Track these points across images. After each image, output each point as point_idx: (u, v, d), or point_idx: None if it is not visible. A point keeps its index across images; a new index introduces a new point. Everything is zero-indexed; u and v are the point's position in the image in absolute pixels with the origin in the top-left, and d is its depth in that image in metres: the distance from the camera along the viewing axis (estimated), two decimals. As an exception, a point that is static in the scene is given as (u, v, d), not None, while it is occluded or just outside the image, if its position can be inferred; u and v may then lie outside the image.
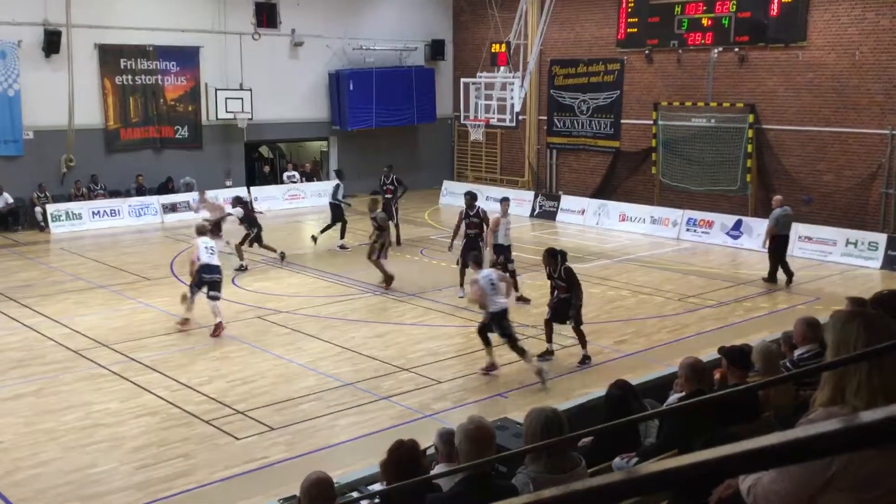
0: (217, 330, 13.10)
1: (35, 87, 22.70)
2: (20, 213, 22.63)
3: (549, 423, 4.50)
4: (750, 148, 22.37)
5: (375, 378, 11.35)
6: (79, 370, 11.64)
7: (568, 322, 11.93)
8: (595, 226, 23.73)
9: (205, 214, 17.51)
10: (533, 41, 24.65)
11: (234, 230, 18.10)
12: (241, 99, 25.81)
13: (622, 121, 25.78)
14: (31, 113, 22.78)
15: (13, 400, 10.57)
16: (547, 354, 12.03)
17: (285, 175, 28.24)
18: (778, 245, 16.83)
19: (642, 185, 25.12)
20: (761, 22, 22.04)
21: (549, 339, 12.13)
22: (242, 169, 27.27)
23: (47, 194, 22.82)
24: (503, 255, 15.05)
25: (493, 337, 11.38)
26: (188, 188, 24.94)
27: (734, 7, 22.47)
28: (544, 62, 27.10)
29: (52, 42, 22.68)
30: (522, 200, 26.25)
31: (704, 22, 23.18)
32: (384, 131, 28.57)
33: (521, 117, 24.40)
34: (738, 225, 21.20)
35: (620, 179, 25.91)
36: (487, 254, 14.84)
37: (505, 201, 15.77)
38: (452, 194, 28.10)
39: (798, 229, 20.15)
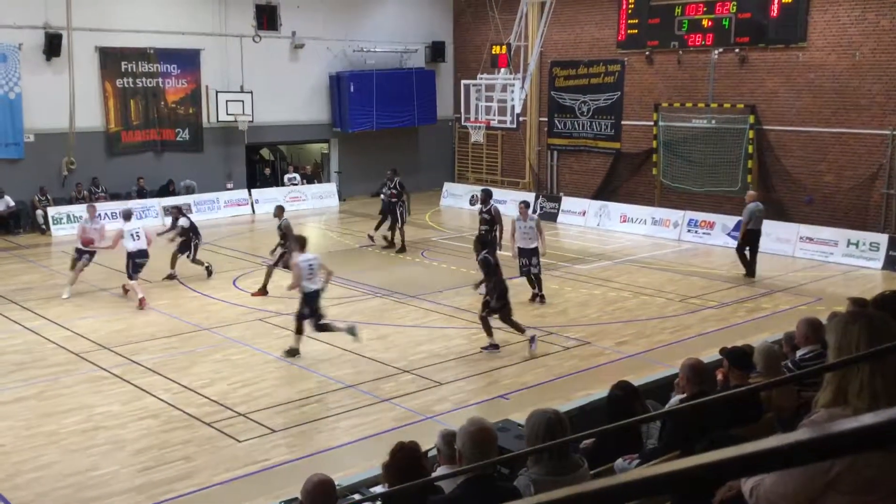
0: (142, 303, 14.69)
1: (36, 89, 22.73)
2: (21, 215, 22.65)
3: (551, 425, 4.50)
4: (751, 149, 22.37)
5: (376, 380, 11.35)
6: (80, 373, 11.64)
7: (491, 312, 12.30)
8: (596, 227, 23.74)
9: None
10: (533, 43, 24.66)
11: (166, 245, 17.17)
12: (242, 101, 25.84)
13: (623, 122, 25.78)
14: (32, 116, 22.80)
15: (14, 403, 10.56)
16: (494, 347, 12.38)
17: (286, 177, 28.28)
18: (751, 239, 17.54)
19: (643, 187, 25.11)
20: (761, 23, 22.04)
21: (490, 333, 12.43)
22: (243, 171, 27.29)
23: (48, 197, 22.83)
24: (525, 258, 15.07)
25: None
26: (189, 191, 24.96)
27: (734, 8, 22.47)
28: (545, 64, 27.11)
29: (52, 45, 22.71)
30: (523, 202, 26.26)
31: (705, 23, 23.18)
32: (385, 133, 28.58)
33: (521, 119, 24.40)
34: (739, 226, 21.16)
35: (621, 181, 25.91)
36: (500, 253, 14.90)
37: (522, 204, 15.78)
38: (453, 196, 28.15)
39: (799, 230, 20.22)
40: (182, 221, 17.19)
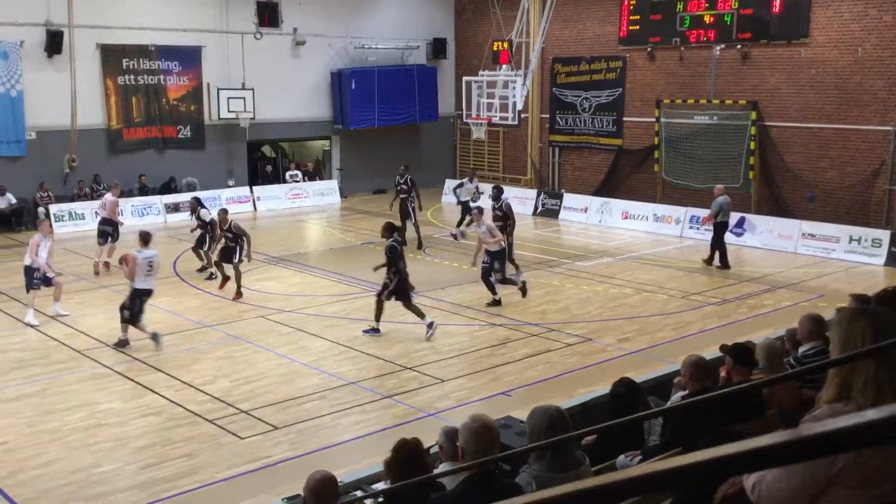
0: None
1: (38, 87, 22.73)
2: (23, 213, 22.66)
3: (553, 422, 4.49)
4: (752, 145, 22.34)
5: (378, 377, 11.35)
6: (82, 370, 11.65)
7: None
8: (598, 224, 23.72)
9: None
10: (535, 39, 24.63)
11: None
12: (244, 98, 25.82)
13: (624, 118, 25.76)
14: (34, 113, 22.80)
15: (17, 400, 10.58)
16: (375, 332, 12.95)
17: (288, 174, 28.27)
18: (721, 231, 18.14)
19: (645, 183, 25.09)
20: (763, 19, 22.00)
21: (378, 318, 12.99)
22: (245, 168, 27.28)
23: (50, 194, 22.84)
24: (489, 257, 14.69)
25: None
26: (191, 188, 24.95)
27: (736, 4, 22.43)
28: (546, 60, 27.08)
29: (54, 42, 22.71)
30: (525, 199, 26.26)
31: (706, 19, 23.14)
32: (386, 130, 28.56)
33: (523, 115, 24.39)
34: (741, 222, 21.17)
35: (623, 177, 25.88)
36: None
37: (476, 210, 15.42)
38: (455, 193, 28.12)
39: (801, 226, 20.20)
40: (203, 213, 17.31)
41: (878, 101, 20.29)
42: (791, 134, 21.99)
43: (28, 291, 14.22)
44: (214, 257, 16.41)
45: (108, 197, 18.36)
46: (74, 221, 22.61)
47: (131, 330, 12.53)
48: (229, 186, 26.06)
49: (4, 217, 22.27)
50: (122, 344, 12.50)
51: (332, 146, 29.46)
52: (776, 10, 21.75)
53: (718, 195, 18.25)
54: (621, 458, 5.88)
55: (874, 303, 5.36)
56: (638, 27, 24.89)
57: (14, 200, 22.39)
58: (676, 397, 6.49)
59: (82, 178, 23.62)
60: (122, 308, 12.58)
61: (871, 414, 1.00)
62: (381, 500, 5.54)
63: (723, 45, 22.86)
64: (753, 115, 22.28)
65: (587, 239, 21.83)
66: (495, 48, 23.52)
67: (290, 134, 28.87)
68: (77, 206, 22.93)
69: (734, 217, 21.34)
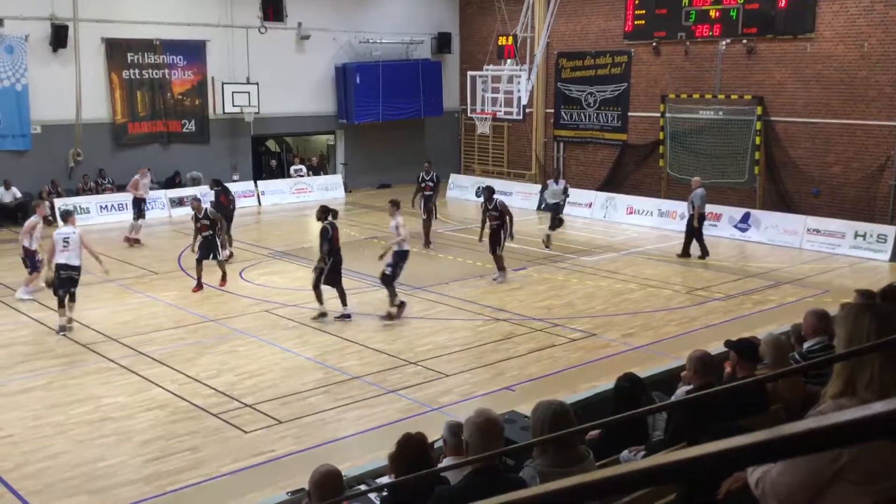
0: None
1: (42, 81, 22.76)
2: (28, 207, 22.67)
3: (557, 417, 4.49)
4: (758, 140, 22.28)
5: (382, 372, 11.36)
6: (87, 364, 11.68)
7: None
8: (602, 219, 23.70)
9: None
10: (540, 34, 24.56)
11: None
12: (248, 93, 25.84)
13: (629, 113, 25.71)
14: (39, 107, 22.84)
15: (22, 394, 10.61)
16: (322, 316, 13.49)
17: (292, 169, 28.29)
18: (699, 222, 18.42)
19: (650, 178, 25.05)
20: (769, 13, 21.93)
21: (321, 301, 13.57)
22: (249, 163, 27.30)
23: (59, 190, 22.86)
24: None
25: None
26: (195, 182, 24.97)
27: (742, -1, 22.37)
28: (551, 55, 27.03)
29: (59, 36, 22.73)
30: (529, 194, 26.26)
31: (712, 14, 23.07)
32: (391, 125, 28.55)
33: (527, 110, 24.33)
34: (746, 218, 21.14)
35: (628, 172, 25.84)
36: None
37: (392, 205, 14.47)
38: (460, 188, 28.13)
39: (806, 222, 20.17)
40: (210, 212, 17.18)
41: (885, 96, 20.22)
42: (796, 129, 21.92)
43: (31, 273, 14.94)
44: (195, 249, 15.76)
45: (135, 176, 20.43)
46: (79, 215, 22.51)
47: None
48: (234, 181, 26.06)
49: (10, 211, 22.31)
50: (63, 329, 12.92)
51: (337, 141, 29.46)
52: (782, 5, 21.67)
53: (697, 188, 18.44)
54: (624, 453, 5.88)
55: (879, 298, 5.35)
56: (643, 22, 24.82)
57: (19, 194, 22.43)
58: (680, 392, 6.48)
59: (87, 172, 23.66)
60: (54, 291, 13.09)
61: (878, 406, 1.00)
62: (385, 493, 5.55)
63: (728, 40, 22.79)
64: (759, 110, 22.22)
65: (591, 234, 21.81)
66: (500, 43, 23.50)
67: (294, 128, 28.87)
68: (82, 201, 22.96)
69: (739, 212, 21.35)
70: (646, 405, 5.94)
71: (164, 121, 25.14)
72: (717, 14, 22.96)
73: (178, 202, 24.18)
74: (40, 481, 8.25)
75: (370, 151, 28.82)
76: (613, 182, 25.85)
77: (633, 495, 4.39)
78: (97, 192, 23.60)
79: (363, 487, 6.25)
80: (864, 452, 2.35)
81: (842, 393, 2.54)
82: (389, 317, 13.63)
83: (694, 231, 18.33)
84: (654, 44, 24.63)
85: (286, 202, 26.34)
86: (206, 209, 15.72)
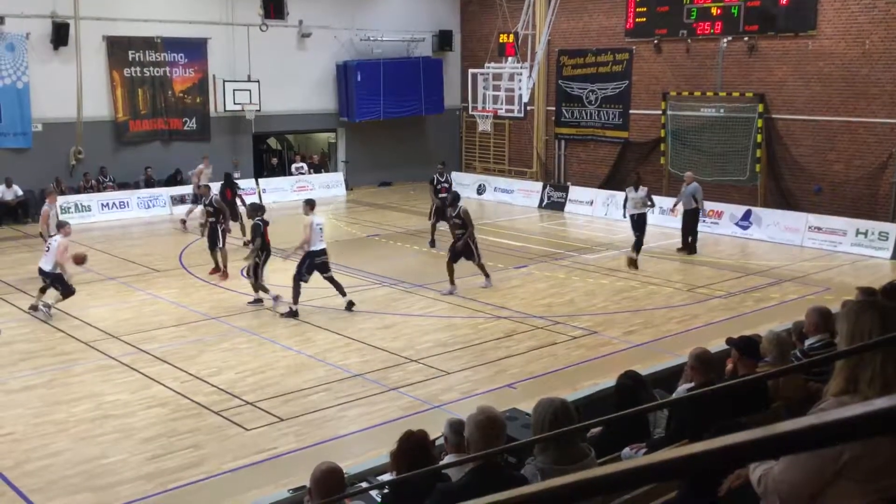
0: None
1: (43, 79, 22.76)
2: (30, 205, 22.70)
3: (558, 414, 4.49)
4: (759, 138, 22.26)
5: (384, 369, 11.36)
6: (89, 361, 11.68)
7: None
8: (604, 216, 23.68)
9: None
10: (541, 31, 24.54)
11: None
12: (249, 90, 25.83)
13: (631, 111, 25.69)
14: (40, 105, 22.84)
15: (24, 391, 10.62)
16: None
17: (293, 167, 28.28)
18: (695, 216, 18.83)
19: (651, 176, 24.97)
20: (771, 11, 21.90)
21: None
22: (251, 161, 27.29)
23: (63, 188, 22.85)
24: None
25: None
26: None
27: (743, -4, 22.34)
28: (552, 52, 27.00)
29: (60, 34, 22.73)
30: (531, 191, 26.25)
31: (713, 11, 23.05)
32: (392, 122, 28.54)
33: (529, 108, 24.33)
34: (747, 215, 21.13)
35: (629, 170, 25.80)
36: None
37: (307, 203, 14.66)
38: (461, 185, 28.03)
39: (808, 219, 20.15)
40: (216, 199, 17.28)
41: (886, 93, 20.20)
42: (798, 127, 21.90)
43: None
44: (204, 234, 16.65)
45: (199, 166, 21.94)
46: (81, 213, 22.62)
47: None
48: (235, 179, 26.06)
49: (11, 209, 22.32)
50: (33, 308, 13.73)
51: (338, 138, 29.45)
52: (783, 3, 21.65)
53: (691, 182, 18.67)
54: (626, 450, 5.88)
55: (881, 296, 5.34)
56: (644, 19, 24.80)
57: (21, 192, 22.43)
58: (682, 390, 6.48)
59: (88, 170, 23.66)
60: None
61: (880, 402, 0.99)
62: (386, 491, 5.55)
63: (730, 38, 22.76)
64: (760, 107, 22.20)
65: (593, 232, 21.80)
66: (501, 40, 23.45)
67: (295, 126, 28.87)
68: (83, 198, 22.96)
69: (740, 210, 21.33)
70: (647, 402, 5.94)
71: (165, 118, 25.13)
72: (719, 11, 22.93)
73: (180, 200, 24.19)
74: (42, 479, 8.26)
75: (371, 149, 28.81)
76: (615, 180, 25.82)
77: (634, 492, 4.39)
78: (98, 190, 23.59)
79: (364, 485, 6.26)
80: (865, 450, 2.35)
81: (844, 390, 2.54)
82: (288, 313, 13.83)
83: (693, 225, 18.63)
84: (655, 41, 24.61)
85: (287, 200, 26.26)
86: (213, 196, 16.51)
